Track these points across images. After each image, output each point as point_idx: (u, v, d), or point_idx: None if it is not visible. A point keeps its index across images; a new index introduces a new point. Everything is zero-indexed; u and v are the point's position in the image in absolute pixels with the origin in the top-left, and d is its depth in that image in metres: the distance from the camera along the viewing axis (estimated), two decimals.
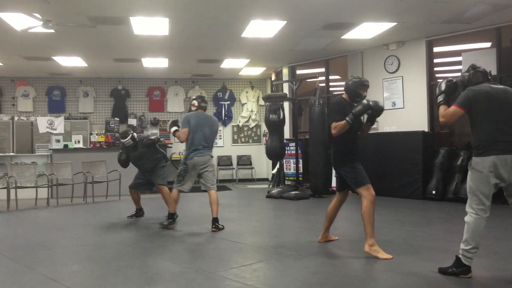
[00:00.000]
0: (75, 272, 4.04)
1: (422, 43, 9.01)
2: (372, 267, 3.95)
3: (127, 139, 6.60)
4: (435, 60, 9.13)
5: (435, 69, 9.14)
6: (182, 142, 6.08)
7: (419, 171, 8.56)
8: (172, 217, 6.02)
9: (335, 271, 4.06)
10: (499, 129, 3.54)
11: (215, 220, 5.83)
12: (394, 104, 9.43)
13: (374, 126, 9.66)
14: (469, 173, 3.63)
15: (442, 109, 3.79)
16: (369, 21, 7.84)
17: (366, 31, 8.40)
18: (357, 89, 4.62)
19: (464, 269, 3.58)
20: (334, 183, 10.24)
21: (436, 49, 9.09)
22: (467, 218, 3.64)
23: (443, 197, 8.23)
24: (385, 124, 9.56)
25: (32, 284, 3.67)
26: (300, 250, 4.69)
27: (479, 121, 3.62)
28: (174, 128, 6.15)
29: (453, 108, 3.70)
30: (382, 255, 4.20)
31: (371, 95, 9.72)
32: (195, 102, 6.22)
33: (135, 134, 6.76)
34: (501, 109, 3.59)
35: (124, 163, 6.89)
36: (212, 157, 6.12)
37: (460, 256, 3.60)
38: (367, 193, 4.48)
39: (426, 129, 8.85)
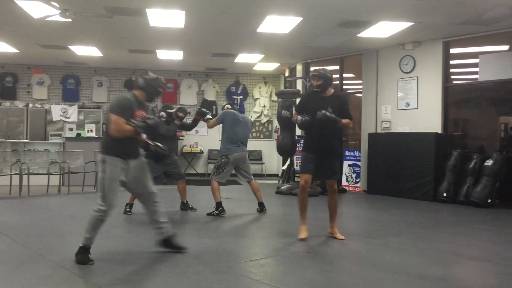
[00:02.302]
0: None
1: (439, 44, 8.92)
2: (379, 268, 3.94)
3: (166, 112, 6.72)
4: (452, 62, 9.04)
5: (451, 70, 9.06)
6: (209, 128, 6.80)
7: (430, 173, 8.52)
8: (220, 205, 6.48)
9: (342, 270, 4.07)
10: None
11: (261, 204, 6.79)
12: (408, 104, 9.37)
13: (387, 126, 9.68)
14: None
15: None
16: (386, 20, 7.78)
17: (383, 30, 8.34)
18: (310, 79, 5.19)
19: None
20: (344, 181, 10.25)
21: (452, 51, 9.00)
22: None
23: (454, 200, 8.19)
24: (398, 124, 9.51)
25: (42, 271, 3.72)
26: (307, 248, 4.70)
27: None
28: (208, 116, 6.65)
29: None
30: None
31: (386, 95, 9.76)
32: (229, 106, 6.88)
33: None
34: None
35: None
36: (246, 152, 6.80)
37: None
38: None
39: (439, 130, 8.79)
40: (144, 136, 4.33)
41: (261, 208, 6.79)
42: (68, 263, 3.88)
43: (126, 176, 4.01)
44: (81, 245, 3.93)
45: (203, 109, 6.80)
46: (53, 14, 7.12)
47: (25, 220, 6.40)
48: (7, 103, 12.49)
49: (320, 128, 4.83)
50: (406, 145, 8.96)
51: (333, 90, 5.00)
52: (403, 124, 9.42)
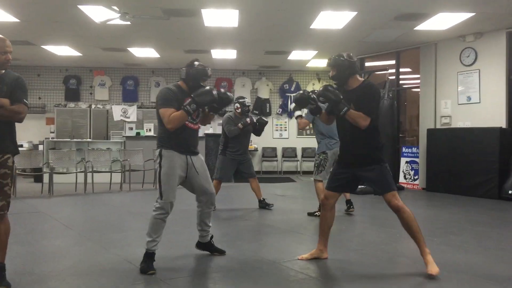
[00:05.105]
0: None
1: (502, 35, 8.49)
2: (441, 267, 3.81)
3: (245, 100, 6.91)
4: None
5: None
6: (300, 129, 6.23)
7: (495, 170, 8.14)
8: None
9: (402, 267, 3.97)
10: None
11: (349, 202, 6.40)
12: (469, 98, 9.00)
13: (447, 121, 9.34)
14: None
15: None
16: (445, 11, 7.50)
17: (441, 22, 8.05)
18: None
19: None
20: (401, 178, 9.99)
21: None
22: None
23: None
24: (459, 119, 9.16)
25: (107, 264, 3.88)
26: (364, 246, 4.62)
27: None
28: (298, 113, 5.91)
29: None
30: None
31: (445, 90, 9.42)
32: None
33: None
34: None
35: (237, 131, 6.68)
36: None
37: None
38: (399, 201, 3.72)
39: (504, 125, 8.38)
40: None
41: (349, 206, 6.45)
42: (130, 257, 4.04)
43: (185, 171, 3.77)
44: (145, 251, 3.69)
45: (263, 118, 6.82)
46: (114, 17, 7.40)
47: (89, 215, 6.71)
48: (71, 105, 13.12)
49: (345, 131, 3.86)
50: (468, 140, 8.61)
51: (361, 79, 3.87)
52: (464, 119, 9.06)
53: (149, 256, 3.68)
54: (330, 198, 3.95)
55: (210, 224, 4.13)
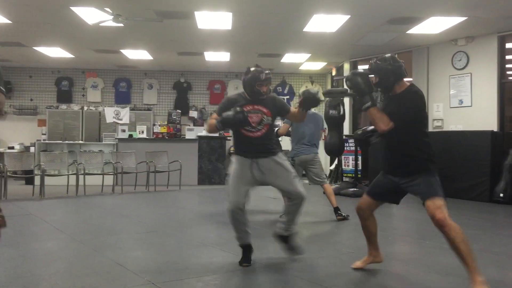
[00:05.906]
0: (138, 258, 4.21)
1: (494, 39, 8.57)
2: (434, 270, 3.84)
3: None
4: (508, 57, 8.67)
5: (507, 66, 8.68)
6: (281, 135, 6.23)
7: (486, 173, 8.19)
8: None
9: (394, 271, 3.99)
10: None
11: (337, 209, 6.10)
12: (461, 102, 9.06)
13: (439, 124, 9.39)
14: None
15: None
16: (437, 16, 7.56)
17: (434, 25, 8.11)
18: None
19: None
20: None
21: (508, 45, 8.62)
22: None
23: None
24: (451, 122, 9.22)
25: (99, 267, 3.86)
26: (356, 249, 4.63)
27: None
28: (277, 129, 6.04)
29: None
30: None
31: (437, 93, 9.47)
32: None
33: None
34: None
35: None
36: (317, 153, 6.22)
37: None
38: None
39: (495, 128, 8.45)
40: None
41: (337, 213, 6.09)
42: (122, 260, 4.01)
43: (255, 174, 3.84)
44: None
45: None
46: (106, 19, 7.38)
47: (81, 218, 6.67)
48: (63, 106, 13.05)
49: (390, 138, 3.39)
50: (460, 144, 8.66)
51: (407, 84, 3.43)
52: (456, 122, 9.12)
53: (242, 249, 3.92)
54: (363, 204, 3.61)
55: (296, 221, 4.04)
